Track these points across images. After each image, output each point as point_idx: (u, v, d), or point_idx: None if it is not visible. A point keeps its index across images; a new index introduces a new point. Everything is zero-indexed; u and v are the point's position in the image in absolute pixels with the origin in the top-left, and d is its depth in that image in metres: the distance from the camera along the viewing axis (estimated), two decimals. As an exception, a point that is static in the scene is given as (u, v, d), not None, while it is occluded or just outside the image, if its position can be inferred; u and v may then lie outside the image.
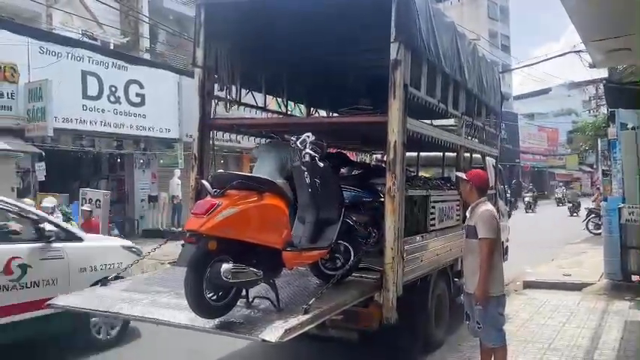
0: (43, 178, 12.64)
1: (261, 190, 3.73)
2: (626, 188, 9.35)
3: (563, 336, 6.15)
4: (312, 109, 8.26)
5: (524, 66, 38.86)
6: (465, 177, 4.57)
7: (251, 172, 5.33)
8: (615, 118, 11.28)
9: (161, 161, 17.26)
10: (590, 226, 17.23)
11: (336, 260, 4.52)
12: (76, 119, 13.61)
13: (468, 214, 4.54)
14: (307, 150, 4.15)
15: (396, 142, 4.56)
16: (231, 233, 3.45)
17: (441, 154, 8.10)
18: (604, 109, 23.68)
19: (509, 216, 9.72)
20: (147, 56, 18.86)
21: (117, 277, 4.88)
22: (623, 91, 8.34)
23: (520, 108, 51.01)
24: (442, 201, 6.11)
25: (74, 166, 15.76)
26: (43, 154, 12.64)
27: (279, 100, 7.52)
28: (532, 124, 50.74)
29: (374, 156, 10.12)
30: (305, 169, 4.19)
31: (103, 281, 4.68)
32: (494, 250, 4.24)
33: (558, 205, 33.07)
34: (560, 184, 42.79)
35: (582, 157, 46.71)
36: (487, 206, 4.38)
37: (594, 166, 37.33)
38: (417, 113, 5.24)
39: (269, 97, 7.23)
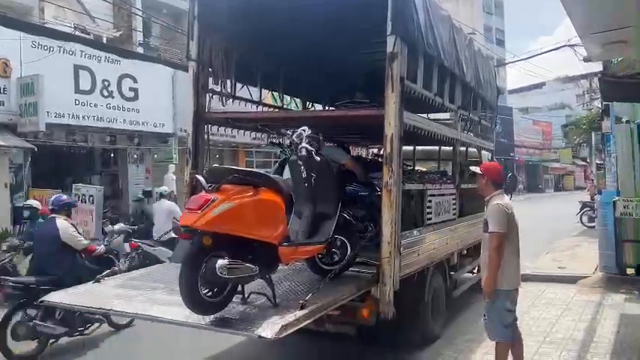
0: None
1: (256, 185, 3.69)
2: (621, 182, 9.36)
3: (559, 329, 6.16)
4: (308, 102, 8.21)
5: (519, 60, 38.56)
6: (479, 171, 4.50)
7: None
8: (609, 112, 11.28)
9: (155, 156, 17.10)
10: (585, 219, 17.31)
11: (332, 255, 4.50)
12: (69, 114, 13.42)
13: (485, 208, 4.49)
14: (303, 144, 4.10)
15: (392, 135, 4.52)
16: (226, 229, 3.41)
17: (437, 147, 8.07)
18: (597, 103, 23.72)
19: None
20: (140, 50, 18.69)
21: (112, 274, 4.84)
22: (619, 84, 8.32)
23: (515, 102, 51.10)
24: (438, 195, 6.09)
25: (67, 162, 15.59)
26: (36, 149, 12.51)
27: (275, 93, 7.47)
28: (526, 118, 50.80)
29: (370, 150, 10.08)
30: (301, 163, 4.15)
31: (97, 278, 4.64)
32: (505, 244, 4.18)
33: None
34: None
35: (576, 150, 46.82)
36: (498, 200, 4.31)
37: (588, 160, 37.37)
38: (414, 107, 5.20)
39: (265, 91, 7.17)
